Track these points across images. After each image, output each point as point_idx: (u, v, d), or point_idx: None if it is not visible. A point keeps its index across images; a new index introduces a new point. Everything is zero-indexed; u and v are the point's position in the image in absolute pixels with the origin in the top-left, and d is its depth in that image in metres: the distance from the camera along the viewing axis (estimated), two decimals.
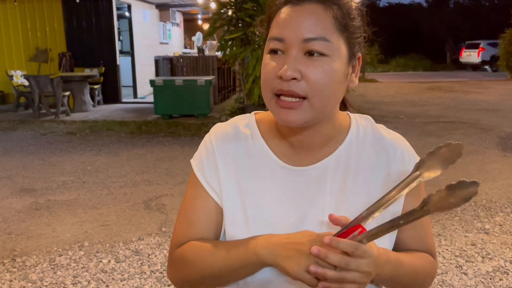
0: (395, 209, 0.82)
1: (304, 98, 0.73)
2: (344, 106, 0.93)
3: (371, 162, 0.83)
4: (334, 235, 0.71)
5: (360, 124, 0.87)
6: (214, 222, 0.84)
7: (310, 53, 0.73)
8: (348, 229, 0.71)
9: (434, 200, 0.63)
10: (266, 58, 0.77)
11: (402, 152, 0.84)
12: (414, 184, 0.70)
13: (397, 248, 0.85)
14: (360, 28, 0.79)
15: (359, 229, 0.69)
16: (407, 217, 0.66)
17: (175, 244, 0.86)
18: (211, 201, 0.84)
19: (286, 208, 0.81)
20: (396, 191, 0.70)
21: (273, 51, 0.76)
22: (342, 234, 0.70)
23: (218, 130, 0.87)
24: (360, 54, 0.80)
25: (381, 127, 0.88)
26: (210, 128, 0.90)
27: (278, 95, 0.75)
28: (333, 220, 0.72)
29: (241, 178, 0.83)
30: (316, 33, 0.73)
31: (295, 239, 0.73)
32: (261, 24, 0.86)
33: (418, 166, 0.70)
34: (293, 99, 0.73)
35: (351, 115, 0.89)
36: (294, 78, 0.72)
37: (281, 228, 0.79)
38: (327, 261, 0.67)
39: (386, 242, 0.81)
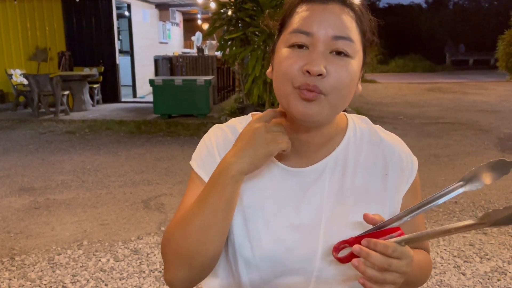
0: (393, 209, 0.82)
1: (322, 94, 0.73)
2: None
3: (368, 163, 0.83)
4: (362, 234, 0.72)
5: (357, 124, 0.87)
6: None
7: (337, 52, 0.73)
8: (383, 230, 0.70)
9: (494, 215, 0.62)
10: (285, 51, 0.75)
11: (400, 154, 0.84)
12: (456, 193, 0.68)
13: None
14: (372, 38, 0.80)
15: (399, 232, 0.69)
16: (461, 228, 0.64)
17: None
18: None
19: (284, 209, 0.80)
20: (437, 197, 0.69)
21: (297, 45, 0.74)
22: (374, 234, 0.70)
23: (217, 131, 0.87)
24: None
25: (378, 128, 0.88)
26: (209, 128, 0.90)
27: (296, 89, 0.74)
28: (368, 219, 0.71)
29: None
30: (345, 33, 0.73)
31: (245, 131, 0.77)
32: (270, 18, 0.85)
33: (464, 177, 0.69)
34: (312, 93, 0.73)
35: (348, 115, 0.89)
36: (320, 75, 0.71)
37: (279, 228, 0.79)
38: (368, 260, 0.66)
39: None
